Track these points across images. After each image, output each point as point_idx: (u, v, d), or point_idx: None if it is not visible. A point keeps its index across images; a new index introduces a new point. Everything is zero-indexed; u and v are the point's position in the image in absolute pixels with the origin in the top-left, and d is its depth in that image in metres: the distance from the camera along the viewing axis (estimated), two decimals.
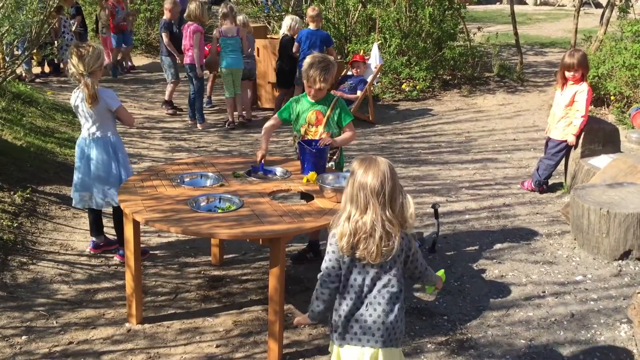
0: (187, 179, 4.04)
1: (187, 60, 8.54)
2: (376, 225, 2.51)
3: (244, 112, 8.87)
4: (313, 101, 4.32)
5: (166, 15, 8.98)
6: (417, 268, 2.78)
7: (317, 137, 4.26)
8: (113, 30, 11.19)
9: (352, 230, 2.52)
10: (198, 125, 8.61)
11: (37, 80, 10.89)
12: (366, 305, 2.62)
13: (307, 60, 4.21)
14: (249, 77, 9.07)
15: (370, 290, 2.62)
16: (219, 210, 3.58)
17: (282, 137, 8.21)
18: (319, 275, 2.68)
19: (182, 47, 8.63)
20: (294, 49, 8.75)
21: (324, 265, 2.65)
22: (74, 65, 4.25)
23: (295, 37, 8.73)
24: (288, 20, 8.97)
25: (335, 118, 4.33)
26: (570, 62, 5.74)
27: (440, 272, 3.08)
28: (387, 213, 2.53)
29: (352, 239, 2.53)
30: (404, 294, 2.70)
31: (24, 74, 10.85)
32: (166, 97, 9.27)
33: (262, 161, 4.21)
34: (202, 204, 3.66)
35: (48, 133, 7.34)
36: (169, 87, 9.22)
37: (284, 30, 8.93)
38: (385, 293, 2.61)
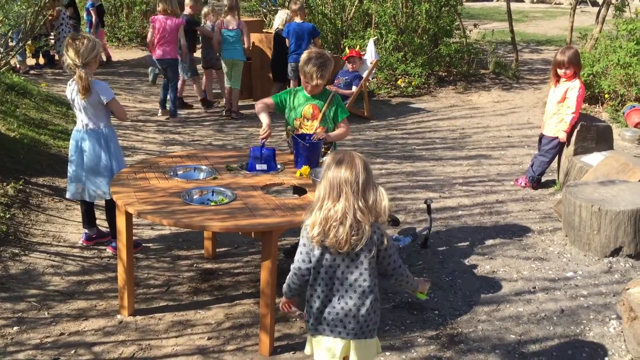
0: (180, 172, 4.04)
1: (160, 54, 8.23)
2: (347, 213, 2.50)
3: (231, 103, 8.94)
4: (309, 95, 4.33)
5: (187, 11, 8.90)
6: (390, 265, 2.67)
7: (312, 132, 4.26)
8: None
9: (323, 218, 2.53)
10: (168, 116, 8.59)
11: (32, 72, 10.86)
12: (338, 298, 2.64)
13: (304, 56, 4.20)
14: (211, 65, 9.15)
15: (341, 283, 2.63)
16: (212, 203, 3.59)
17: (276, 132, 8.21)
18: (292, 267, 2.71)
19: (150, 41, 8.32)
20: (286, 43, 8.83)
21: (296, 257, 2.68)
22: (68, 56, 4.24)
23: None
24: (282, 15, 9.02)
25: (331, 114, 4.33)
26: (561, 59, 5.78)
27: (422, 296, 2.95)
28: (360, 203, 2.52)
29: (324, 227, 2.53)
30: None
31: (18, 66, 10.81)
32: (199, 96, 9.15)
33: (265, 140, 4.14)
34: (195, 196, 3.67)
35: (42, 125, 7.32)
36: (195, 86, 9.11)
37: (277, 24, 8.96)
38: (357, 287, 2.62)
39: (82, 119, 4.40)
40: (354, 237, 2.52)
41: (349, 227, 2.50)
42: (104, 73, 10.90)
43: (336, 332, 2.66)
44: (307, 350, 2.84)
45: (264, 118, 4.26)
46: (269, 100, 4.41)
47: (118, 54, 13.34)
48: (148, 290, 4.16)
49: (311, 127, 4.30)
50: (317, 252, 2.60)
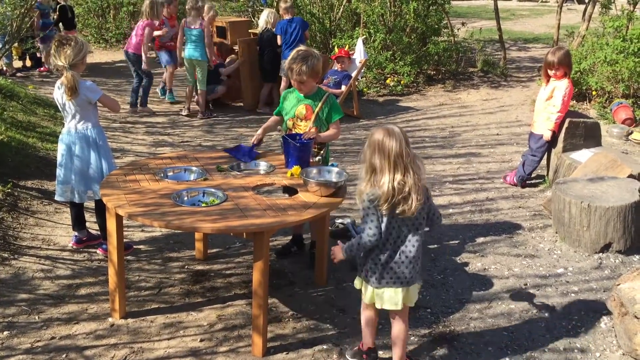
0: (170, 173, 4.02)
1: (132, 49, 8.67)
2: (413, 184, 2.96)
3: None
4: (302, 95, 4.31)
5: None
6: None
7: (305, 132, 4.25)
8: (158, 48, 9.39)
9: (396, 191, 2.94)
10: (139, 107, 8.85)
11: (18, 74, 10.77)
12: (399, 255, 3.08)
13: (289, 56, 4.20)
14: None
15: (403, 242, 3.08)
16: (203, 204, 3.57)
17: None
18: (362, 237, 3.05)
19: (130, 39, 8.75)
20: (278, 41, 8.81)
21: (366, 231, 3.02)
22: (56, 58, 4.23)
23: (274, 29, 8.86)
24: (266, 15, 8.98)
25: (324, 115, 4.31)
26: (551, 60, 5.82)
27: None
28: (417, 172, 2.99)
29: (394, 199, 2.95)
30: None
31: (5, 68, 10.74)
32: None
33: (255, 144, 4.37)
34: (186, 198, 3.65)
35: (29, 127, 7.27)
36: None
37: (263, 25, 8.93)
38: (415, 242, 3.09)
39: (69, 121, 4.38)
40: (419, 202, 2.98)
41: (416, 195, 2.97)
42: (92, 75, 10.83)
43: (398, 283, 3.12)
44: (367, 299, 3.23)
45: (259, 130, 4.44)
46: (273, 119, 4.53)
47: (105, 56, 13.27)
48: (139, 293, 4.14)
49: (305, 128, 4.29)
50: (385, 220, 3.01)
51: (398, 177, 2.95)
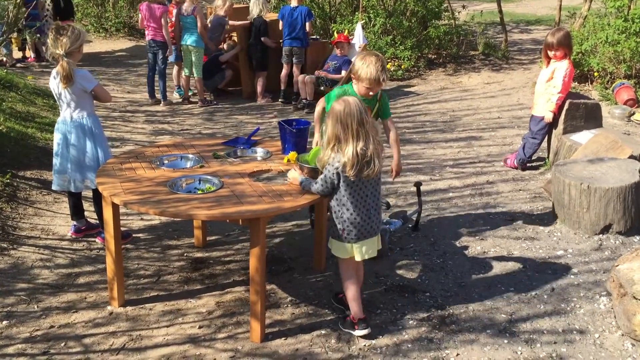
0: (166, 161, 4.01)
1: (155, 36, 8.53)
2: (374, 149, 3.27)
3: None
4: (361, 97, 3.90)
5: (219, 12, 8.96)
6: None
7: None
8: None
9: (360, 157, 3.23)
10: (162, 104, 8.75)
11: (18, 65, 10.75)
12: (369, 210, 3.41)
13: (375, 65, 3.81)
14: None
15: (369, 197, 3.40)
16: (199, 192, 3.57)
17: (266, 119, 8.18)
18: (314, 191, 3.43)
19: (144, 25, 8.63)
20: (279, 27, 8.77)
21: (321, 189, 3.38)
22: (52, 46, 4.21)
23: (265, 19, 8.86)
24: (257, 3, 8.85)
25: (378, 113, 4.21)
26: (550, 41, 5.78)
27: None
28: (376, 137, 3.31)
29: (359, 165, 3.24)
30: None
31: (4, 59, 10.72)
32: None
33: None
34: (183, 185, 3.64)
35: (29, 118, 7.26)
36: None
37: (256, 12, 8.83)
38: (377, 194, 3.45)
39: (64, 109, 4.37)
40: (381, 165, 3.34)
41: (378, 160, 3.29)
42: (92, 64, 10.81)
43: (372, 233, 3.46)
44: (341, 255, 3.50)
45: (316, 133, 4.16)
46: (322, 103, 4.17)
47: (105, 45, 13.23)
48: (138, 281, 4.14)
49: None
50: (353, 184, 3.32)
51: (360, 144, 3.23)
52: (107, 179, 3.69)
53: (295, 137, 4.09)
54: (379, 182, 3.49)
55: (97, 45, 13.12)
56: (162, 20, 8.40)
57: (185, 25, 8.50)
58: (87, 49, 12.29)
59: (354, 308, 3.55)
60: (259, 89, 9.02)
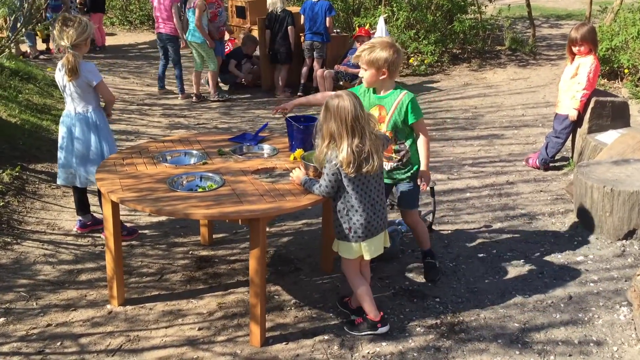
0: (169, 157, 3.90)
1: (166, 30, 8.43)
2: (372, 144, 3.14)
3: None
4: (379, 94, 3.76)
5: None
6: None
7: None
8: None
9: (356, 154, 3.09)
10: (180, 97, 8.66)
11: (41, 56, 10.80)
12: (374, 206, 3.29)
13: (391, 44, 3.65)
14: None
15: (374, 193, 3.28)
16: (200, 189, 3.45)
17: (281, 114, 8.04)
18: (318, 192, 3.29)
19: (156, 17, 8.58)
20: (300, 21, 8.67)
21: (326, 190, 3.24)
22: (58, 37, 4.14)
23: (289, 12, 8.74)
24: None
25: (401, 117, 3.70)
26: (574, 36, 5.54)
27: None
28: (373, 131, 3.17)
29: (357, 162, 3.11)
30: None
31: (28, 51, 10.77)
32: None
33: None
34: (183, 183, 3.53)
35: (44, 110, 7.25)
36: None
37: (280, 6, 8.68)
38: (381, 189, 3.34)
39: (70, 103, 4.29)
40: (380, 160, 3.23)
41: (377, 155, 3.16)
42: (116, 56, 10.81)
43: (379, 230, 3.35)
44: (350, 255, 3.37)
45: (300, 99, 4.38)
46: (324, 94, 4.11)
47: (129, 38, 13.25)
48: (140, 279, 4.05)
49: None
50: (354, 181, 3.20)
51: (356, 141, 3.10)
52: (107, 175, 3.59)
53: (303, 134, 3.94)
54: (382, 177, 3.37)
55: (122, 37, 13.16)
56: (173, 9, 8.29)
57: (191, 18, 8.33)
58: (111, 41, 12.38)
59: (369, 307, 3.44)
60: (280, 82, 8.89)
